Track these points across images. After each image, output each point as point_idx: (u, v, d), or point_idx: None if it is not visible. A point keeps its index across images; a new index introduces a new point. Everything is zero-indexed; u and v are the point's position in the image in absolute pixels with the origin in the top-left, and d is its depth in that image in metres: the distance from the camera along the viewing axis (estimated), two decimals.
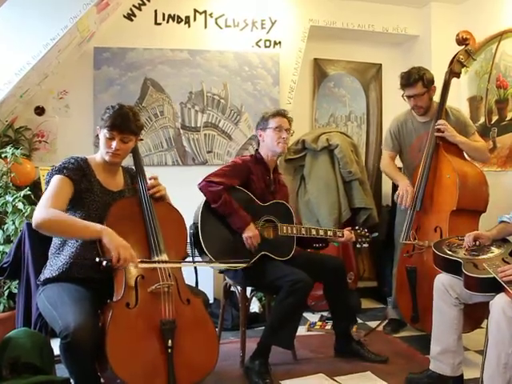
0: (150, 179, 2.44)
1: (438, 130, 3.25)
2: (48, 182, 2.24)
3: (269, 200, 3.04)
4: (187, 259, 2.43)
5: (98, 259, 2.06)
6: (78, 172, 2.26)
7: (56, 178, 2.21)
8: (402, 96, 3.45)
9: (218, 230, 2.87)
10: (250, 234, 2.86)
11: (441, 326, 2.65)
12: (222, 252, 2.82)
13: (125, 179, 2.48)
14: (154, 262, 2.17)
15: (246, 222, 2.87)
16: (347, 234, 3.12)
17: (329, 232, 3.10)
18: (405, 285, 3.28)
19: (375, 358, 3.07)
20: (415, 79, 3.32)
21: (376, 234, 3.33)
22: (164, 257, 2.20)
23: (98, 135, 2.37)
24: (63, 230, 2.11)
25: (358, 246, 3.21)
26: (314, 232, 3.06)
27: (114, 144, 2.29)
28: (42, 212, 2.09)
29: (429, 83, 3.34)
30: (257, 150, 3.19)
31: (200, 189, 2.92)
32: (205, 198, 2.91)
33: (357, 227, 3.26)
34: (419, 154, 3.37)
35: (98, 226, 2.10)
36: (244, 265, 2.65)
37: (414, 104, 3.41)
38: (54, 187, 2.19)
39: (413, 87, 3.33)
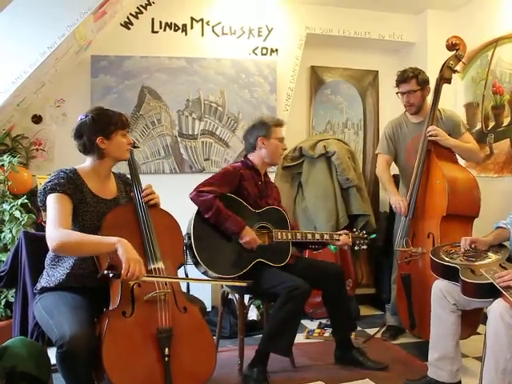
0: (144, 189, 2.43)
1: (430, 136, 3.28)
2: (42, 202, 2.21)
3: (262, 205, 3.04)
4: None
5: (105, 271, 2.04)
6: (71, 185, 2.21)
7: (53, 197, 2.16)
8: (397, 93, 3.52)
9: (212, 240, 2.86)
10: (248, 238, 2.85)
11: (439, 333, 2.65)
12: (216, 262, 2.81)
13: (118, 186, 2.45)
14: (159, 277, 2.15)
15: (241, 226, 2.86)
16: (344, 237, 3.09)
17: (325, 235, 3.09)
18: (402, 291, 3.28)
19: (374, 366, 3.05)
20: (410, 76, 3.43)
21: (374, 235, 3.34)
22: (160, 265, 2.18)
23: (97, 145, 2.27)
24: (80, 249, 2.10)
25: (356, 248, 3.19)
26: (309, 236, 3.05)
27: (129, 139, 2.37)
28: (55, 235, 2.06)
29: (423, 82, 3.44)
30: (246, 155, 3.17)
31: (191, 199, 2.91)
32: (197, 208, 2.90)
33: (354, 229, 3.25)
34: (415, 155, 3.38)
35: (112, 239, 2.06)
36: (243, 284, 2.63)
37: (407, 101, 3.48)
38: (56, 207, 2.14)
39: (407, 83, 3.43)
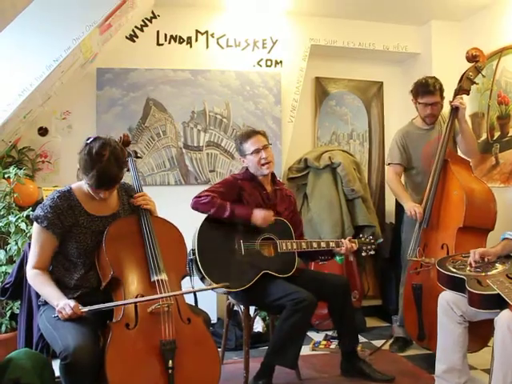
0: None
1: (457, 107, 3.29)
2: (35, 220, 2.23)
3: None
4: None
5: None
6: (57, 216, 2.19)
7: (38, 231, 2.22)
8: (416, 104, 3.47)
9: (217, 254, 2.85)
10: (258, 216, 2.85)
11: (446, 344, 2.62)
12: (222, 276, 2.79)
13: (120, 197, 2.42)
14: (98, 307, 2.08)
15: (249, 210, 2.87)
16: (347, 242, 3.02)
17: (331, 243, 3.04)
18: (411, 302, 3.25)
19: (381, 378, 3.01)
20: (436, 88, 3.38)
21: (381, 240, 3.30)
22: (163, 276, 2.17)
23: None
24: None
25: (363, 253, 3.12)
26: (315, 245, 3.02)
27: (102, 195, 2.23)
28: (28, 275, 2.22)
29: (443, 93, 3.43)
30: (247, 168, 3.16)
31: (192, 207, 2.91)
32: (200, 224, 2.90)
33: (360, 235, 3.20)
34: (432, 159, 3.35)
35: (54, 303, 2.08)
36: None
37: (430, 112, 3.43)
38: (37, 242, 2.22)
39: (433, 95, 3.39)
